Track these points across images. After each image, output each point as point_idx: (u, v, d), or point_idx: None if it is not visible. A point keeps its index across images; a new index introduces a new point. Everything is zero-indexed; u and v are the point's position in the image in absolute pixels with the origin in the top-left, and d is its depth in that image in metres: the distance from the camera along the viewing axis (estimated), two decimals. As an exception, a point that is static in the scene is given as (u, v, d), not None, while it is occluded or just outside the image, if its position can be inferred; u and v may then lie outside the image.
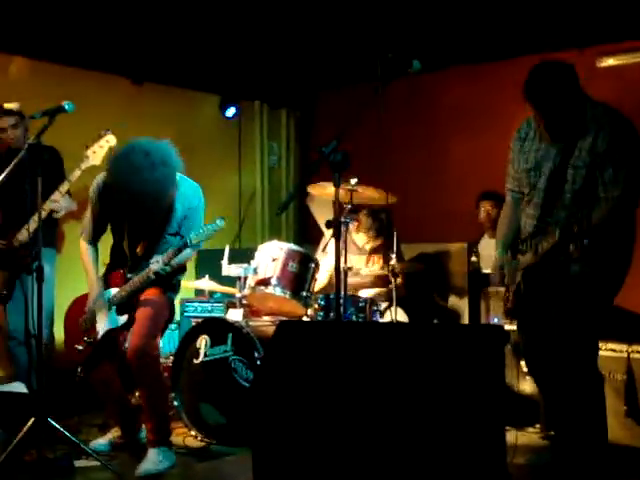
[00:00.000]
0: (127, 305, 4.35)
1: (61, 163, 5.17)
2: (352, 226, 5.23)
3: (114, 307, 4.35)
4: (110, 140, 4.80)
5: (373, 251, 5.99)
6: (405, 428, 2.74)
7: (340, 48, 6.64)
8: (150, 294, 4.34)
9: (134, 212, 4.27)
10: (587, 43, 6.03)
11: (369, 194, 5.14)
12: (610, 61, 6.12)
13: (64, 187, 4.87)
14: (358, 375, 2.90)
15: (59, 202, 4.89)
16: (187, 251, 4.26)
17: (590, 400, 3.51)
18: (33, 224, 4.52)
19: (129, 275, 4.34)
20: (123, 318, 4.34)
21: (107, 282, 4.42)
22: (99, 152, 4.79)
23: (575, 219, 3.23)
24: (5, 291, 4.89)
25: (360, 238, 5.95)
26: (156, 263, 4.17)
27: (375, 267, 5.68)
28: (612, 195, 3.41)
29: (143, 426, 4.48)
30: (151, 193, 4.05)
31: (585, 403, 3.50)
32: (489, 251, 4.81)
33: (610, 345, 4.44)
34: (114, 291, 4.35)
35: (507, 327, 4.35)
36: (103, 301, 4.35)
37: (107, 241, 4.52)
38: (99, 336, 4.35)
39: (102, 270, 4.50)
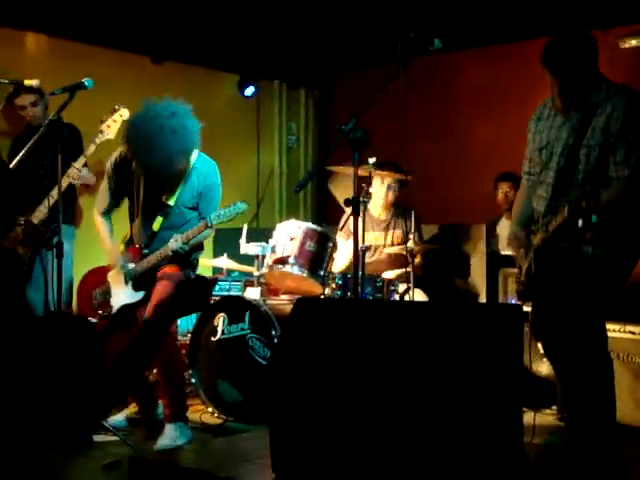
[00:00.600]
0: (144, 281, 4.36)
1: (80, 140, 5.19)
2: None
3: (130, 282, 4.36)
4: (124, 114, 4.88)
5: (393, 220, 5.84)
6: (422, 407, 2.74)
7: (359, 28, 6.60)
8: (168, 271, 4.35)
9: (151, 172, 4.24)
10: (610, 24, 5.96)
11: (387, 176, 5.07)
12: (633, 42, 6.06)
13: (80, 161, 4.91)
14: (375, 353, 2.90)
15: (76, 175, 4.93)
16: (206, 231, 4.27)
17: (599, 382, 3.50)
18: (52, 200, 4.53)
19: (146, 251, 4.35)
20: (139, 294, 4.36)
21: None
22: (113, 126, 4.87)
23: (584, 195, 3.21)
24: (25, 267, 4.91)
25: (376, 195, 5.67)
26: (174, 242, 4.18)
27: (394, 248, 5.64)
28: (623, 175, 3.40)
29: (160, 402, 4.53)
30: (170, 150, 4.06)
31: (594, 385, 3.49)
32: (507, 232, 4.77)
33: (629, 327, 4.42)
34: (130, 266, 4.36)
35: (525, 308, 4.32)
36: (125, 271, 4.34)
37: (127, 219, 4.55)
38: (114, 310, 4.37)
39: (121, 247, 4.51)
